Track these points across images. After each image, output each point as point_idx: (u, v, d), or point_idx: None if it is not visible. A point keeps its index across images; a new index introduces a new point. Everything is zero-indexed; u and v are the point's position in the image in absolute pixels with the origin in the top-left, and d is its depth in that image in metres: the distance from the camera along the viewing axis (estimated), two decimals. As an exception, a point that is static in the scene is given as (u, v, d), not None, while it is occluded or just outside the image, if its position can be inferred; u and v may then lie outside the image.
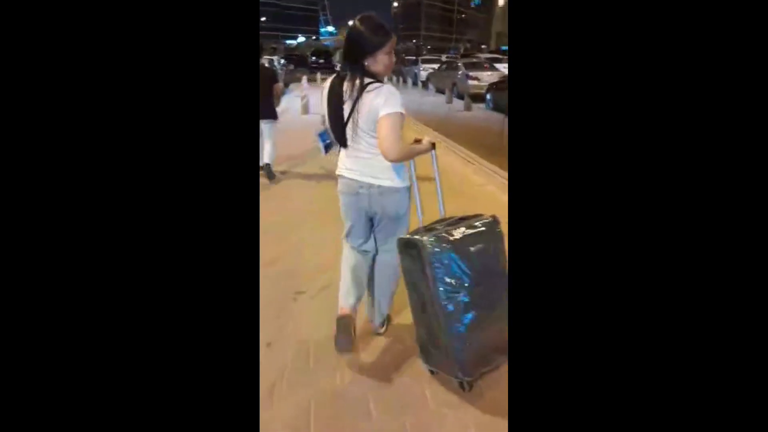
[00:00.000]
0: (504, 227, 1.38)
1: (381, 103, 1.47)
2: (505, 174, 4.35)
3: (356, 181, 1.65)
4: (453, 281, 1.42)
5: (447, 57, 19.05)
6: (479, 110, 9.75)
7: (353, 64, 1.54)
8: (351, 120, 1.55)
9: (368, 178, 1.62)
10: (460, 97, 10.96)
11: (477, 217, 1.58)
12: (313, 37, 63.75)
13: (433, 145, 1.72)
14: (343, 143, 1.63)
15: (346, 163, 1.67)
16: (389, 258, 1.78)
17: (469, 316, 1.44)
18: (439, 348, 1.53)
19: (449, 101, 11.09)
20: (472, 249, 1.45)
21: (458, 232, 1.47)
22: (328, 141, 2.63)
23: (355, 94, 1.52)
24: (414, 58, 22.63)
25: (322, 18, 75.07)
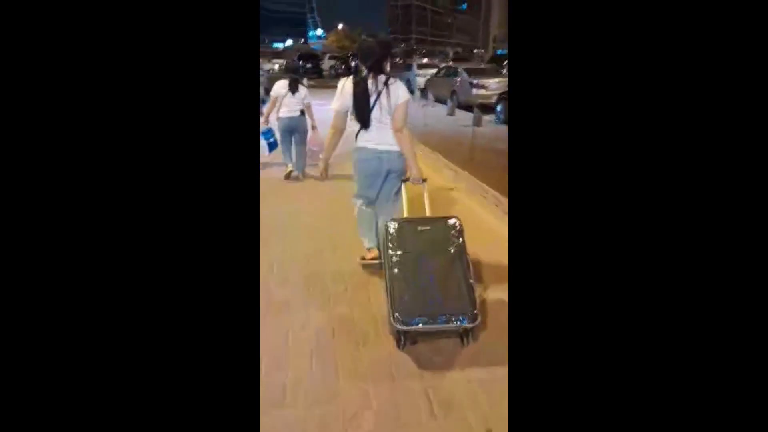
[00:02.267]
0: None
1: (401, 94, 2.26)
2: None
3: (377, 149, 2.35)
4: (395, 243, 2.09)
5: (439, 61, 17.68)
6: (490, 125, 8.36)
7: (373, 66, 2.25)
8: (377, 106, 2.26)
9: (387, 146, 2.34)
10: (464, 107, 9.58)
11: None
12: (301, 41, 62.31)
13: (424, 179, 2.43)
14: (366, 124, 2.30)
15: (368, 137, 2.34)
16: (390, 206, 2.53)
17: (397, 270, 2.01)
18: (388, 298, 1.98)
19: (451, 113, 9.65)
20: (419, 228, 2.12)
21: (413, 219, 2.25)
22: (271, 140, 4.62)
23: (380, 87, 2.25)
24: (401, 61, 21.21)
25: (310, 21, 73.71)
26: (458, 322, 1.82)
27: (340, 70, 25.29)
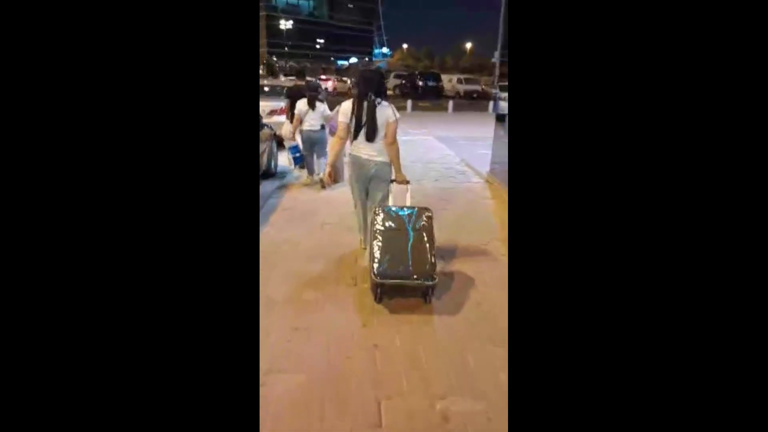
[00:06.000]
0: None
1: (390, 114, 2.92)
2: None
3: (362, 157, 3.03)
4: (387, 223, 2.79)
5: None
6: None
7: (372, 92, 2.90)
8: (368, 122, 2.90)
9: (369, 156, 3.02)
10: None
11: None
12: (366, 59, 62.77)
13: (407, 182, 3.13)
14: (356, 137, 2.98)
15: (360, 147, 3.02)
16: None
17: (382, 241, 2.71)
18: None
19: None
20: (399, 212, 2.85)
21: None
22: (297, 154, 5.21)
23: (372, 107, 2.90)
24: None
25: (376, 39, 74.45)
26: (421, 281, 2.57)
27: (405, 90, 24.08)
